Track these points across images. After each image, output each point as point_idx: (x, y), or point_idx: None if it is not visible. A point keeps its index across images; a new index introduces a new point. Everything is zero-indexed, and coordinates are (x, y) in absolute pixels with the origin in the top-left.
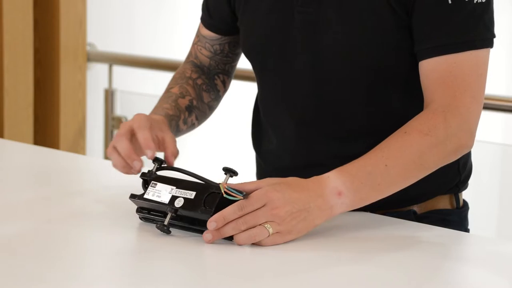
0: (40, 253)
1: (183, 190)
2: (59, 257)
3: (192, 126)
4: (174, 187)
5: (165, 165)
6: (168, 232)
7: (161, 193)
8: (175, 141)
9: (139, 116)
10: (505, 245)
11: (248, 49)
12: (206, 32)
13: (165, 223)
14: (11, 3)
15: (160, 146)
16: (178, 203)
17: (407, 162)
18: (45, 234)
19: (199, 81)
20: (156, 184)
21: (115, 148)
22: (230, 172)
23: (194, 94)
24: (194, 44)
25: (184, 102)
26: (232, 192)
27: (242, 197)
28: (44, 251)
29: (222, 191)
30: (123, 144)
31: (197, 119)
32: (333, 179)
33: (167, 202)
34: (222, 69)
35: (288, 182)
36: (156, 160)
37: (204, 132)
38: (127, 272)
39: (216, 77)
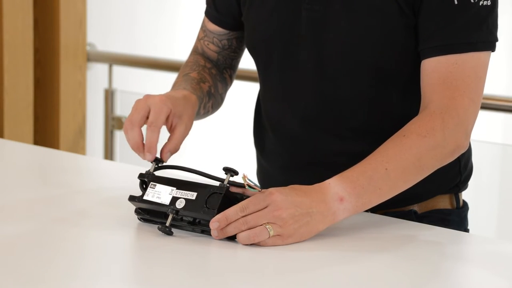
0: (40, 253)
1: (183, 191)
2: (59, 257)
3: (207, 113)
4: (175, 188)
5: (163, 164)
6: (170, 233)
7: (161, 194)
8: (184, 135)
9: (161, 100)
10: (505, 245)
11: (253, 45)
12: (213, 27)
13: (167, 224)
14: (11, 3)
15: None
16: (180, 204)
17: (406, 165)
18: (45, 234)
19: (214, 71)
20: (155, 185)
21: (132, 127)
22: (230, 171)
23: (212, 82)
24: (199, 39)
25: (205, 87)
26: (253, 184)
27: (260, 190)
28: (44, 251)
29: (245, 183)
30: (134, 134)
31: (212, 107)
32: (334, 185)
33: (168, 203)
34: (229, 64)
35: (292, 187)
36: (154, 159)
37: (205, 131)
38: (127, 273)
39: (224, 71)
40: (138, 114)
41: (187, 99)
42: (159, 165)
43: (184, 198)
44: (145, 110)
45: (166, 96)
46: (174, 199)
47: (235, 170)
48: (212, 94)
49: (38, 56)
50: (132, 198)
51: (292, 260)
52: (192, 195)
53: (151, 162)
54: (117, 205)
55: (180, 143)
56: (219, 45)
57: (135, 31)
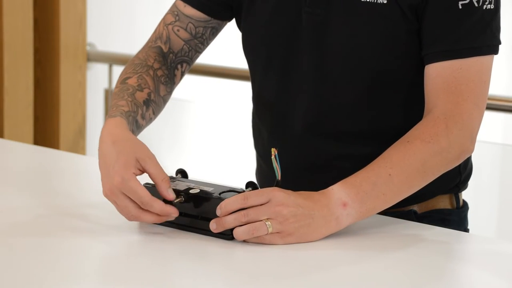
0: (39, 253)
1: (202, 186)
2: (59, 258)
3: (150, 121)
4: (194, 184)
5: (182, 178)
6: (172, 200)
7: (178, 185)
8: (156, 164)
9: (123, 180)
10: (505, 245)
11: (252, 48)
12: (192, 12)
13: (175, 201)
14: (11, 3)
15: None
16: (193, 191)
17: (410, 171)
18: (45, 235)
19: (159, 73)
20: (174, 180)
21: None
22: (252, 185)
23: (153, 86)
24: (167, 24)
25: (142, 96)
26: (278, 162)
27: (280, 173)
28: (43, 251)
29: (273, 154)
30: (147, 217)
31: (153, 113)
32: (337, 190)
33: (182, 189)
34: (190, 58)
35: (297, 192)
36: (180, 172)
37: (205, 131)
38: (127, 273)
39: (178, 66)
40: (127, 210)
41: (127, 136)
42: (181, 177)
43: (200, 189)
44: (127, 199)
45: (120, 166)
46: (190, 188)
47: (257, 186)
48: (151, 101)
49: (38, 56)
50: (147, 184)
51: (291, 260)
52: (209, 188)
53: (176, 174)
54: None
55: (162, 172)
56: (192, 32)
57: (135, 31)
